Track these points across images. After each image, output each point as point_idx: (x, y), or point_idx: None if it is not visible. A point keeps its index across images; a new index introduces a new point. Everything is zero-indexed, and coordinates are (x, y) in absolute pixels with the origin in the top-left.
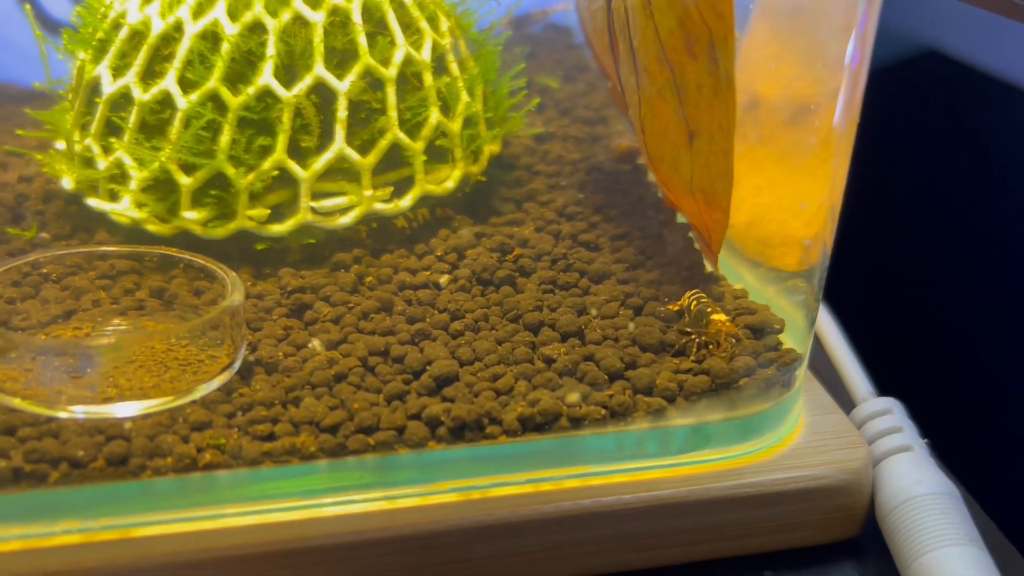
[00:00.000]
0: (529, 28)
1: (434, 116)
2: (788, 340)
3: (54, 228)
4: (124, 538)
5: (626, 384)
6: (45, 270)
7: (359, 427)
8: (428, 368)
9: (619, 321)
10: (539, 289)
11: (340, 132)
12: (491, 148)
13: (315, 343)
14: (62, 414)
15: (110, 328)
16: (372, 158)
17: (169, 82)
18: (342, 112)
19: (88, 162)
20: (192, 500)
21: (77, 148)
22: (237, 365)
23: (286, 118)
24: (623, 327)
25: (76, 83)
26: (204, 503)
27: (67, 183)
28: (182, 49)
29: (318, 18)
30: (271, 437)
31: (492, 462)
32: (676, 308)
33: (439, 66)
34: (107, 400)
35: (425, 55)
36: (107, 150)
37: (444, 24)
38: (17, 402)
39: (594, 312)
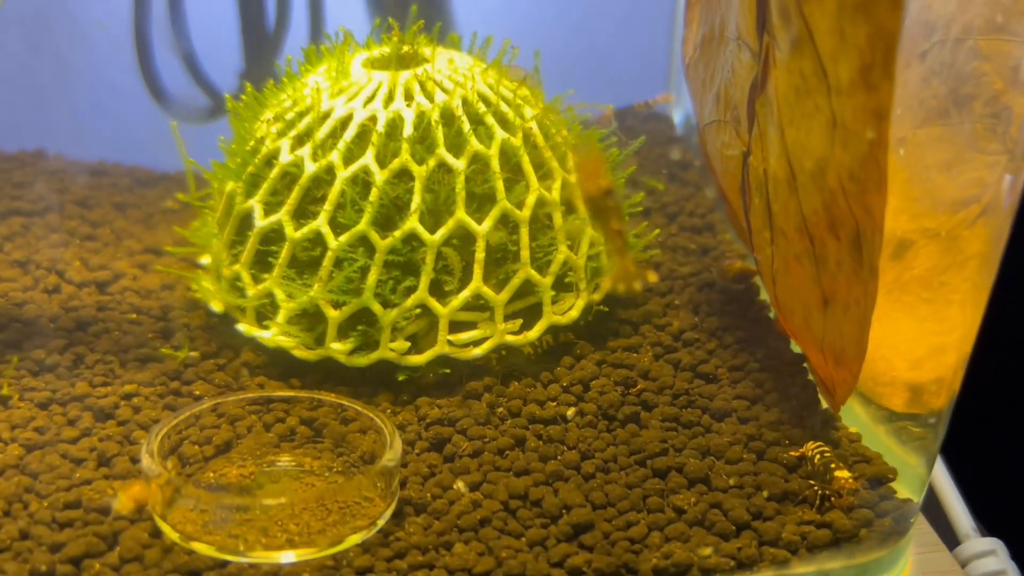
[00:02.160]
0: (632, 120)
1: (562, 254)
2: (902, 485)
3: (201, 344)
4: None
5: (753, 535)
6: (221, 411)
7: (507, 574)
8: (565, 514)
9: (743, 467)
10: (662, 427)
11: (477, 271)
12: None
13: (459, 484)
14: (240, 559)
15: (269, 461)
16: (505, 295)
17: (320, 222)
18: (480, 253)
19: (235, 287)
20: None
21: (226, 273)
22: (391, 511)
23: (429, 260)
24: (748, 473)
25: (224, 210)
26: None
27: (214, 306)
28: (333, 191)
29: (460, 165)
30: None
31: None
32: (797, 455)
33: (567, 198)
34: (279, 546)
35: (555, 193)
36: (256, 279)
37: (571, 160)
38: (195, 545)
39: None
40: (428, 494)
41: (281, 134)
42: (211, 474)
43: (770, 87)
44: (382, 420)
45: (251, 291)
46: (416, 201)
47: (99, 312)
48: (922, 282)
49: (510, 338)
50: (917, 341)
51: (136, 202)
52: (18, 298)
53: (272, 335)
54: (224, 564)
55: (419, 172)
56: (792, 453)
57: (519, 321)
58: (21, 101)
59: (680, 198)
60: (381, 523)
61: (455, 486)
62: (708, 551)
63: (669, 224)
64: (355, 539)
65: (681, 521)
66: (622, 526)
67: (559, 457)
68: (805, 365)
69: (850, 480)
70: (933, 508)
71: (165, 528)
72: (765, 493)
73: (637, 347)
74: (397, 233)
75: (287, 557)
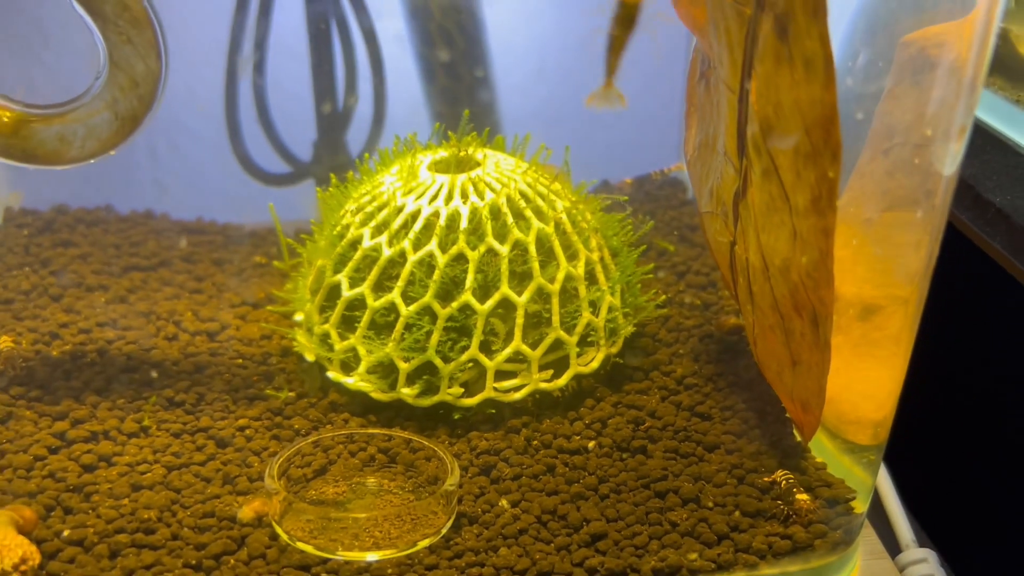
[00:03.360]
0: (649, 186)
1: (585, 318)
2: (857, 501)
3: (296, 385)
4: None
5: (731, 544)
6: (317, 444)
7: (540, 571)
8: (585, 526)
9: (726, 489)
10: (664, 457)
11: (518, 333)
12: (626, 332)
13: (503, 502)
14: (337, 557)
15: (356, 482)
16: (539, 351)
17: (394, 295)
18: (520, 319)
19: (325, 342)
20: None
21: (316, 331)
22: (451, 523)
23: (479, 325)
24: (730, 494)
25: (315, 279)
26: None
27: (307, 356)
28: (404, 271)
29: (504, 250)
30: None
31: None
32: (769, 480)
33: (590, 272)
34: (367, 548)
35: (580, 270)
36: (342, 336)
37: (593, 241)
38: (301, 545)
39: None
40: (479, 509)
41: (363, 223)
42: (312, 492)
43: (749, 198)
44: (444, 451)
45: (338, 346)
46: (470, 279)
47: (212, 357)
48: (893, 339)
49: (543, 385)
50: (882, 387)
51: (230, 258)
52: (147, 344)
53: (355, 381)
54: (326, 561)
55: (472, 256)
56: (765, 479)
57: (550, 371)
58: (132, 167)
59: (688, 258)
60: (443, 532)
61: (500, 503)
62: (694, 556)
63: (678, 282)
64: (424, 544)
65: (675, 532)
66: (628, 535)
67: (581, 481)
68: (783, 406)
69: (808, 501)
70: (883, 520)
71: (281, 533)
72: (744, 510)
73: (646, 390)
74: (455, 304)
75: (372, 557)
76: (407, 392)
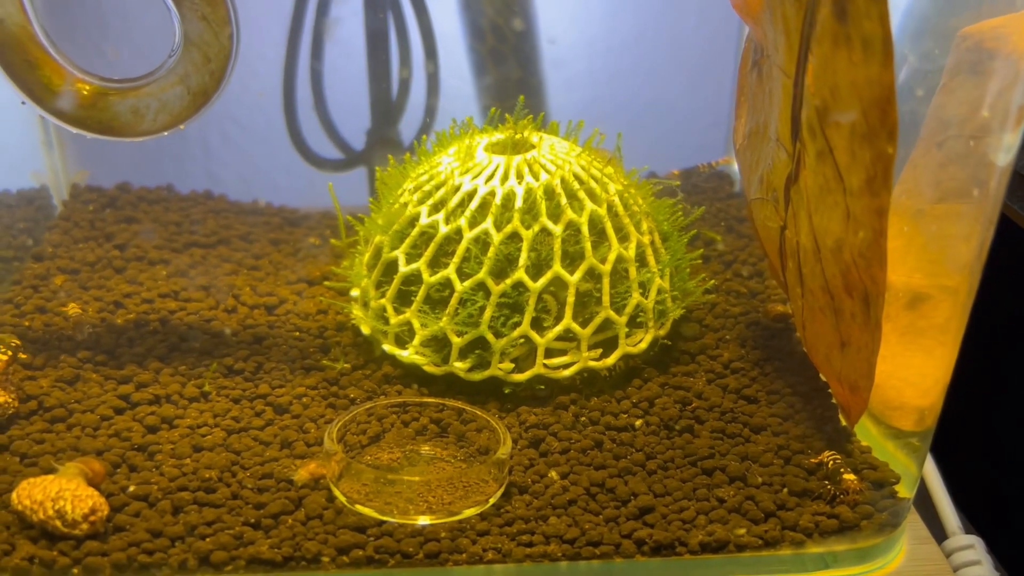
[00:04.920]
0: (696, 179)
1: (635, 299)
2: (900, 486)
3: (351, 358)
4: None
5: (777, 521)
6: (372, 413)
7: (588, 541)
8: (632, 500)
9: (773, 469)
10: (711, 437)
11: (568, 311)
12: (675, 314)
13: (553, 474)
14: (392, 520)
15: (409, 450)
16: (589, 330)
17: (450, 271)
18: (571, 297)
19: (381, 316)
20: None
21: (373, 305)
22: (502, 491)
23: (531, 302)
24: (776, 474)
25: (372, 255)
26: None
27: (363, 329)
28: (460, 248)
29: (558, 230)
30: (530, 544)
31: (680, 571)
32: (816, 461)
33: (640, 255)
34: (421, 512)
35: (631, 252)
36: (397, 311)
37: (644, 224)
38: (359, 508)
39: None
40: (529, 480)
41: (420, 201)
42: (368, 457)
43: (801, 181)
44: (496, 422)
45: (393, 320)
46: (523, 257)
47: (270, 330)
48: (939, 328)
49: (592, 363)
50: (928, 376)
51: (286, 238)
52: (207, 316)
53: (409, 354)
54: (381, 523)
55: (526, 235)
56: (812, 460)
57: (599, 350)
58: (193, 150)
59: (735, 248)
60: (494, 500)
61: (549, 475)
62: (742, 531)
63: (725, 271)
64: (475, 511)
65: (722, 508)
66: (676, 510)
67: (628, 457)
68: (829, 391)
69: (855, 482)
70: (929, 509)
71: (338, 494)
72: (791, 490)
73: (693, 373)
74: (508, 281)
75: (424, 521)
76: (459, 366)
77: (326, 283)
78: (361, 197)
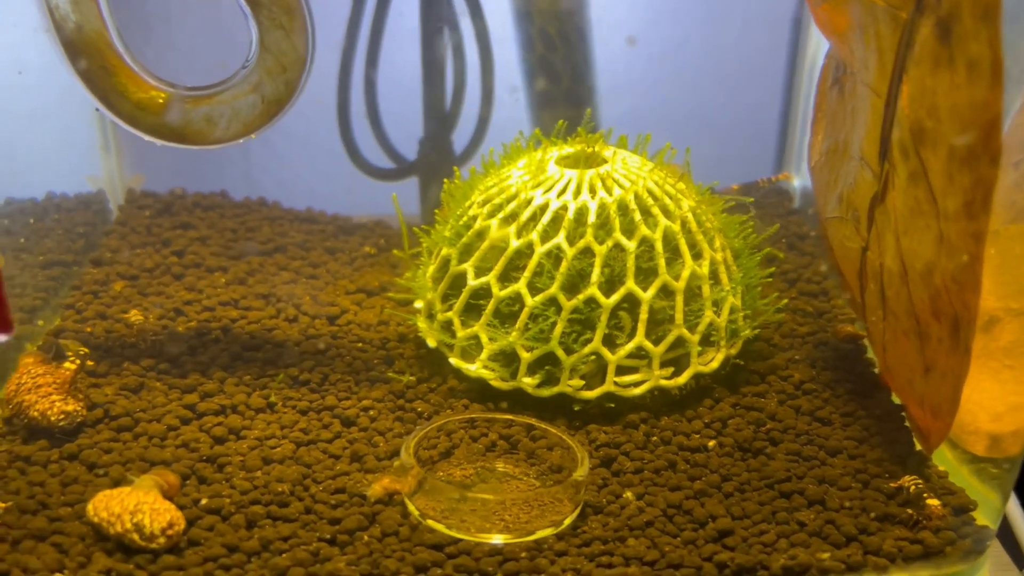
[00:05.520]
0: (755, 194)
1: (708, 317)
2: (981, 514)
3: (415, 370)
4: None
5: (860, 546)
6: (447, 428)
7: (669, 563)
8: (711, 522)
9: (852, 493)
10: (786, 459)
11: (641, 329)
12: (748, 333)
13: (628, 494)
14: (467, 537)
15: (479, 466)
16: (662, 348)
17: (520, 285)
18: (644, 315)
19: (447, 329)
20: None
21: (439, 318)
22: (578, 511)
23: (603, 319)
24: (856, 498)
25: (438, 267)
26: None
27: (428, 342)
28: (531, 262)
29: (632, 246)
30: (609, 566)
31: None
32: (896, 485)
33: (713, 272)
34: (496, 531)
35: (705, 269)
36: (464, 324)
37: (718, 241)
38: (432, 524)
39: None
40: (603, 500)
41: (490, 214)
42: (440, 473)
43: (889, 202)
44: (573, 442)
45: (460, 333)
46: (596, 273)
47: (333, 340)
48: (1005, 351)
49: (664, 382)
50: (998, 400)
51: (342, 247)
52: (268, 325)
53: (476, 368)
54: (456, 542)
55: (599, 251)
56: (892, 484)
57: (671, 368)
58: (244, 157)
59: (799, 266)
60: (570, 520)
61: (624, 495)
62: (827, 555)
63: (790, 289)
64: (552, 531)
65: (803, 532)
66: (756, 533)
67: (703, 478)
68: (903, 414)
69: (939, 507)
70: (1010, 539)
71: (413, 510)
72: (872, 514)
73: (764, 393)
74: (581, 296)
75: (499, 540)
76: (528, 381)
77: (389, 294)
78: (413, 206)
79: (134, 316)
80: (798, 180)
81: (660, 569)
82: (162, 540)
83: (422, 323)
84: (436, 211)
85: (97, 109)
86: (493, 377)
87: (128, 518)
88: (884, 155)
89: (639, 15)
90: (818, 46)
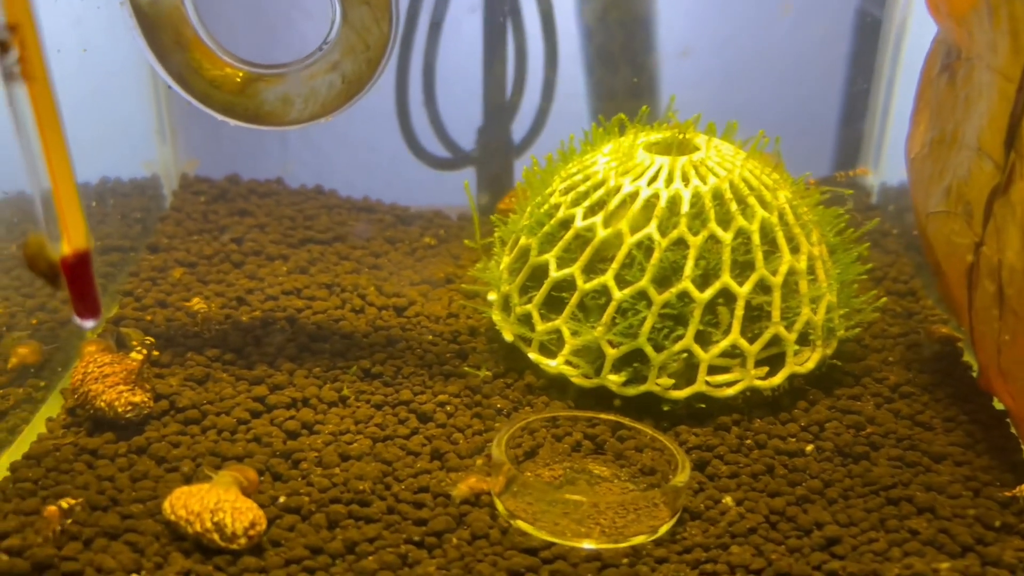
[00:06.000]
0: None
1: (805, 315)
2: None
3: (490, 365)
4: None
5: (977, 557)
6: (531, 428)
7: (776, 572)
8: (816, 529)
9: (963, 501)
10: (890, 465)
11: (736, 326)
12: (849, 333)
13: (728, 499)
14: (561, 542)
15: (566, 467)
16: (757, 346)
17: (607, 277)
18: (739, 311)
19: (525, 322)
20: None
21: (517, 311)
22: (677, 516)
23: (697, 314)
24: (968, 506)
25: (516, 258)
26: None
27: (505, 335)
28: (620, 253)
29: (728, 238)
30: (714, 574)
31: None
32: (1010, 494)
33: (810, 268)
34: (591, 536)
35: (803, 264)
36: (544, 318)
37: (815, 235)
38: (524, 526)
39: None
40: (701, 505)
41: (575, 203)
42: (528, 473)
43: (1014, 194)
44: (673, 445)
45: (539, 327)
46: (689, 266)
47: (403, 332)
48: None
49: (758, 382)
50: None
51: (401, 238)
52: (335, 315)
53: (556, 364)
54: (550, 546)
55: (694, 242)
56: (1006, 493)
57: (765, 368)
58: (301, 145)
59: (883, 264)
60: (668, 527)
61: (723, 500)
62: (945, 564)
63: (876, 288)
64: (649, 537)
65: (915, 540)
66: (865, 541)
67: (804, 484)
68: (1007, 420)
69: None
70: None
71: (502, 511)
72: (981, 524)
73: (859, 396)
74: (673, 290)
75: (595, 545)
76: (613, 379)
77: (463, 285)
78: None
79: (197, 304)
80: (875, 176)
81: None
82: (243, 541)
83: (497, 316)
84: (511, 199)
85: (170, 87)
86: (575, 374)
87: (208, 517)
88: (1010, 144)
89: (699, 8)
90: (900, 37)
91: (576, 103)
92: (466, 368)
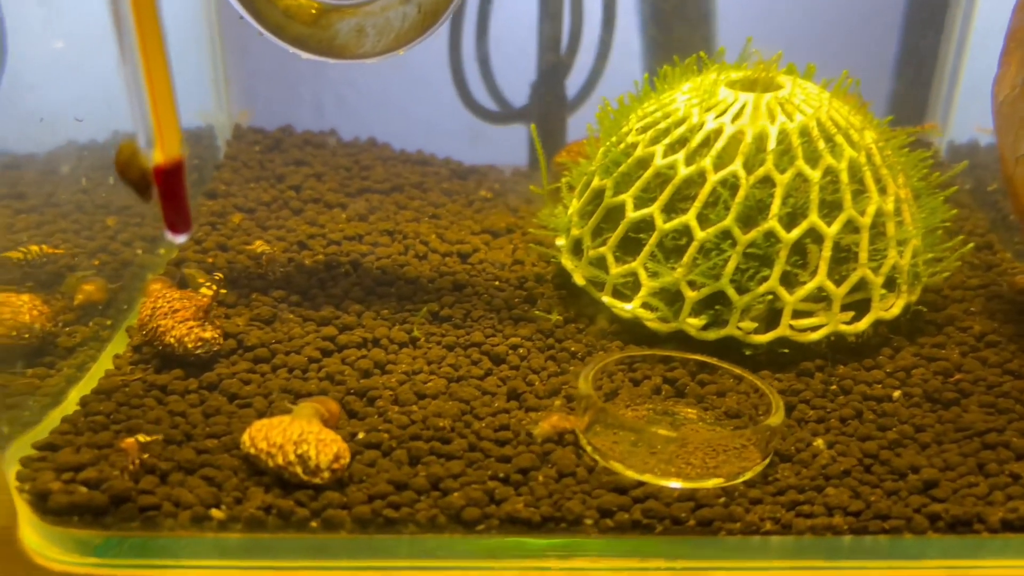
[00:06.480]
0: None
1: (892, 258)
2: None
3: (560, 310)
4: None
5: None
6: (635, 363)
7: (875, 514)
8: (912, 473)
9: None
10: (981, 411)
11: (823, 267)
12: (936, 278)
13: (819, 442)
14: (651, 480)
15: (647, 408)
16: (844, 289)
17: (689, 216)
18: (827, 252)
19: (597, 264)
20: (745, 555)
21: (590, 254)
22: (769, 458)
23: (783, 255)
24: None
25: (588, 200)
26: (755, 557)
27: (576, 280)
28: (703, 191)
29: (816, 176)
30: (810, 515)
31: (974, 551)
32: None
33: (897, 211)
34: (682, 475)
35: (890, 206)
36: (619, 260)
37: (901, 178)
38: (614, 465)
39: None
40: (792, 448)
41: (653, 141)
42: (609, 417)
43: None
44: (766, 386)
45: (614, 270)
46: (776, 204)
47: (469, 277)
48: None
49: (843, 327)
50: None
51: (458, 190)
52: (399, 261)
53: (632, 307)
54: (640, 484)
55: (781, 180)
56: None
57: (851, 313)
58: (358, 98)
59: (958, 218)
60: (761, 467)
61: (814, 443)
62: None
63: (949, 240)
64: (742, 477)
65: (1018, 485)
66: (965, 485)
67: (894, 428)
68: None
69: None
70: None
71: (590, 449)
72: None
73: (943, 345)
74: (759, 229)
75: (677, 484)
76: (692, 323)
77: (530, 230)
78: (522, 153)
79: (260, 247)
80: (945, 137)
81: (866, 520)
82: (327, 475)
83: (567, 261)
84: (588, 138)
85: (241, 18)
86: (651, 317)
87: (292, 449)
88: None
89: None
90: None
91: (630, 62)
92: (536, 312)
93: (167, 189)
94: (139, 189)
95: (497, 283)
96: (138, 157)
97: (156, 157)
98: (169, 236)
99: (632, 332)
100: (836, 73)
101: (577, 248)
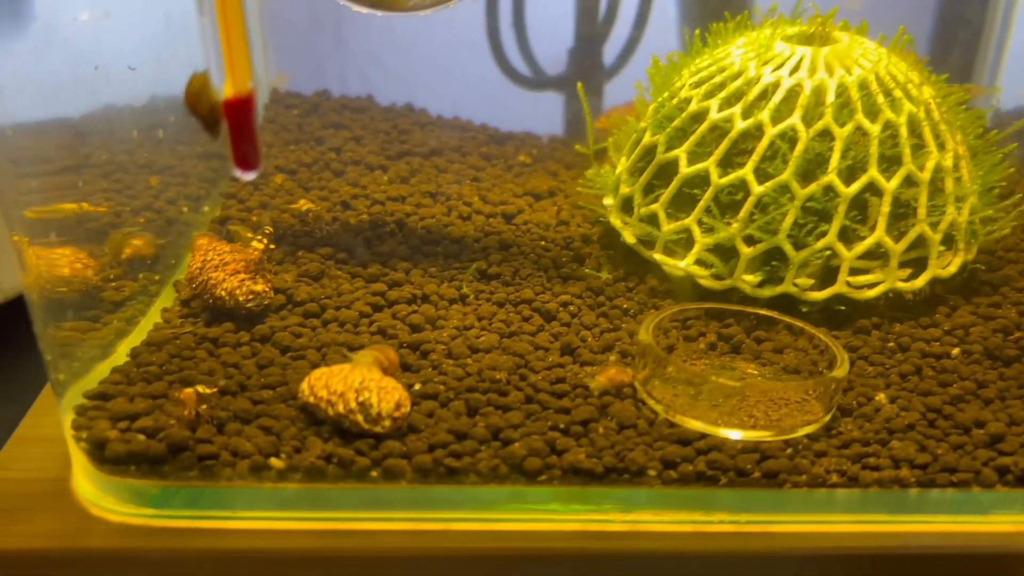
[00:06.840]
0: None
1: (950, 215)
2: None
3: (609, 269)
4: (765, 531)
5: None
6: (688, 320)
7: (943, 467)
8: (976, 428)
9: None
10: None
11: (882, 223)
12: (997, 235)
13: (881, 396)
14: (718, 432)
15: (704, 363)
16: (903, 245)
17: (746, 171)
18: (886, 207)
19: (648, 222)
20: (810, 508)
21: (641, 211)
22: (833, 411)
23: (841, 209)
24: None
25: (638, 157)
26: (820, 511)
27: (626, 238)
28: (761, 145)
29: (875, 130)
30: (876, 468)
31: None
32: None
33: (955, 167)
34: (745, 427)
35: (949, 162)
36: (671, 217)
37: (959, 135)
38: (678, 417)
39: None
40: (854, 402)
41: (708, 95)
42: (671, 368)
43: None
44: (830, 339)
45: (666, 227)
46: (835, 158)
47: (515, 237)
48: None
49: (900, 284)
50: None
51: (496, 155)
52: (444, 221)
53: (686, 264)
54: (702, 436)
55: (840, 133)
56: None
57: (909, 270)
58: (392, 63)
59: (1010, 181)
60: (826, 419)
61: (876, 397)
62: None
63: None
64: (805, 430)
65: None
66: None
67: (956, 384)
68: None
69: None
70: None
71: (648, 399)
72: None
73: (999, 304)
74: (818, 183)
75: (750, 436)
76: (748, 279)
77: (578, 188)
78: (558, 121)
79: (304, 205)
80: (988, 101)
81: (933, 473)
82: (388, 423)
83: (615, 219)
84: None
85: None
86: (705, 275)
87: (353, 396)
88: None
89: None
90: None
91: (667, 32)
92: (585, 271)
93: (237, 123)
94: (207, 124)
95: (543, 243)
96: (208, 90)
97: (226, 91)
98: (238, 173)
99: (684, 290)
100: (873, 37)
101: (626, 207)
